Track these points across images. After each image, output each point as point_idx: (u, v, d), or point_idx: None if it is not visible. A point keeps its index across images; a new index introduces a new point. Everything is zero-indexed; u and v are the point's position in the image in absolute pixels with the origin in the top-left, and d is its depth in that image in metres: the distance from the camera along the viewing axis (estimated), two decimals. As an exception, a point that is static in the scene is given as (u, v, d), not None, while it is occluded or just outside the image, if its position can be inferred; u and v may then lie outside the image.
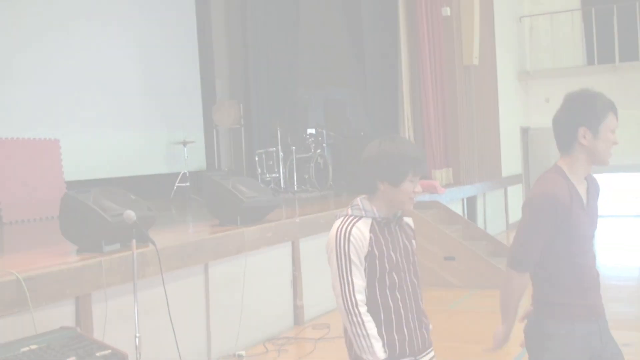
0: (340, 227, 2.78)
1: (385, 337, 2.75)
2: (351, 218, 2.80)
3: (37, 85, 9.25)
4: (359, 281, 2.73)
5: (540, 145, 15.35)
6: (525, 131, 15.81)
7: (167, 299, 4.34)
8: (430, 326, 2.97)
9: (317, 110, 14.45)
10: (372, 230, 2.77)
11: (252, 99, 12.60)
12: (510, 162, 14.54)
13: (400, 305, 2.79)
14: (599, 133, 2.87)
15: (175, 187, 10.73)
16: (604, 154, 2.90)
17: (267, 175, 11.07)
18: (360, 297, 2.73)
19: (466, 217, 11.51)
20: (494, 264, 8.57)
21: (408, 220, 2.97)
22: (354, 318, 2.72)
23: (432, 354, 2.90)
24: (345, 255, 2.72)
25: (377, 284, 2.76)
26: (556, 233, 2.89)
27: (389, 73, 11.44)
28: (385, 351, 2.74)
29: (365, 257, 2.74)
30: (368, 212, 2.80)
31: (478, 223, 12.10)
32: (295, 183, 11.05)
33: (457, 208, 11.21)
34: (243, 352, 5.99)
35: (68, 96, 9.61)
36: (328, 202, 9.76)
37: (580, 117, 2.91)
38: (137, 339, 3.96)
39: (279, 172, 11.08)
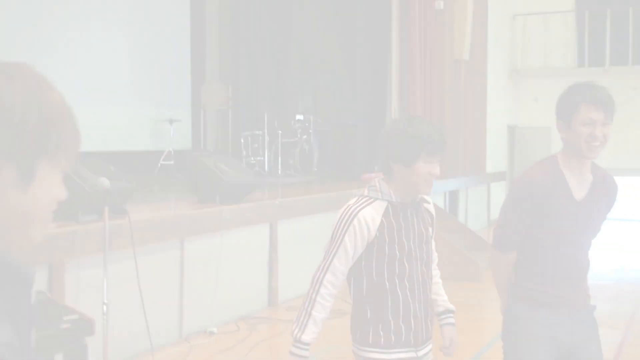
0: (350, 206, 2.70)
1: (392, 324, 2.69)
2: (365, 199, 2.71)
3: (23, 57, 9.21)
4: (339, 264, 2.67)
5: (527, 143, 15.42)
6: (512, 129, 15.88)
7: (137, 271, 4.36)
8: (453, 307, 2.96)
9: (307, 96, 14.47)
10: (385, 214, 2.68)
11: (242, 82, 12.60)
12: (496, 158, 14.62)
13: (409, 294, 2.71)
14: (570, 126, 2.87)
15: (159, 165, 10.73)
16: (578, 148, 2.87)
17: (252, 158, 11.08)
18: (330, 278, 2.67)
19: (447, 210, 11.58)
20: (470, 257, 8.64)
21: (428, 206, 2.87)
22: (310, 292, 2.68)
23: (430, 346, 2.84)
24: (340, 235, 2.66)
25: (385, 270, 2.68)
26: (535, 218, 2.93)
27: (379, 63, 11.46)
28: (314, 339, 2.67)
29: (372, 242, 2.66)
30: (384, 195, 2.70)
31: (459, 217, 12.18)
32: (279, 167, 11.07)
33: (439, 201, 11.27)
34: (215, 329, 6.04)
35: (55, 69, 9.58)
36: (311, 187, 9.79)
37: (557, 110, 2.94)
38: (104, 306, 3.99)
39: (263, 155, 11.10)
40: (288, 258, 7.22)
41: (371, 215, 2.65)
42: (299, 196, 7.84)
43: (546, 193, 2.91)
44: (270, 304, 7.01)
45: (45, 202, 1.18)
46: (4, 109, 1.11)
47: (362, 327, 2.73)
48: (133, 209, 5.08)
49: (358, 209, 2.67)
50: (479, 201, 13.57)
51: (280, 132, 11.15)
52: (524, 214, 2.95)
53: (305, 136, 11.33)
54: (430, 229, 2.83)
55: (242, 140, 11.27)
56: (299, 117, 11.76)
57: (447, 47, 11.84)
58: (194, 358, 5.41)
